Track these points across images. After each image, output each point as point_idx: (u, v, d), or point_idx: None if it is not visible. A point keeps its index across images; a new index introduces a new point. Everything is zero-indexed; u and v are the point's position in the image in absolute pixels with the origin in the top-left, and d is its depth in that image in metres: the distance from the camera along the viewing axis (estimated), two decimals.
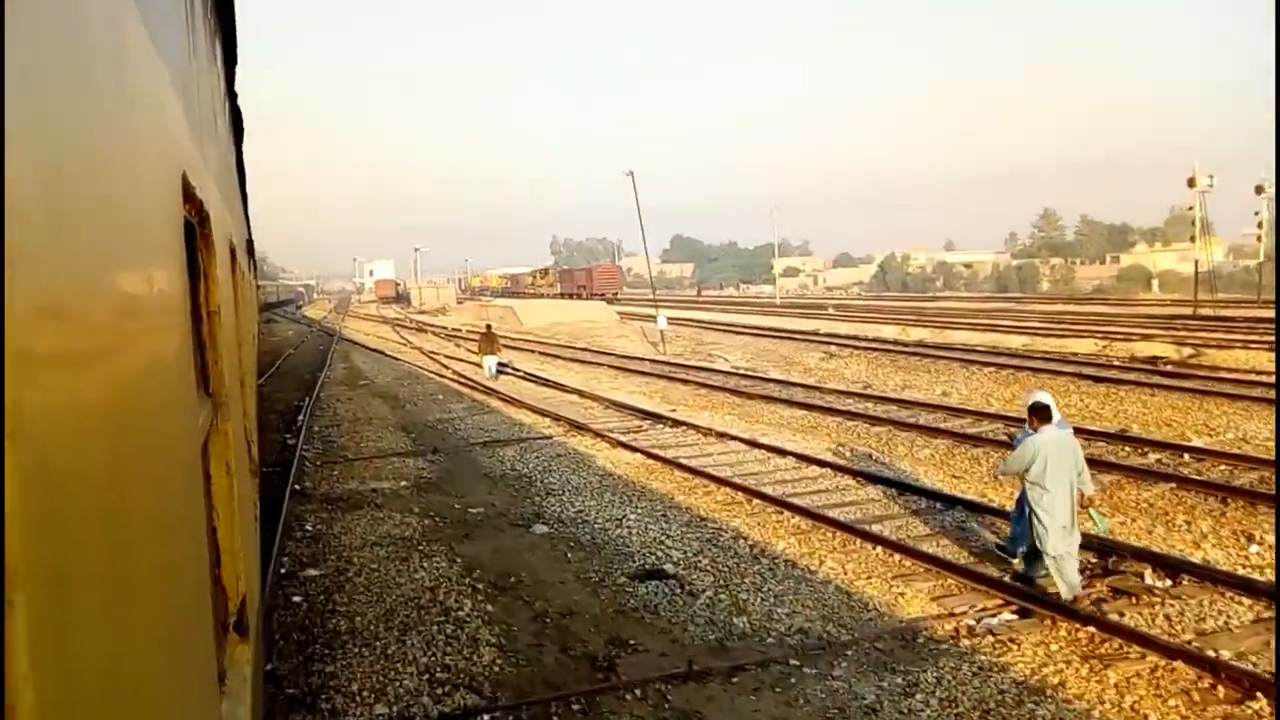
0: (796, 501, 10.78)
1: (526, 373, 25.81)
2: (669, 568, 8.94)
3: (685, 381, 22.65)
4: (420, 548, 9.82)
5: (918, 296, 77.04)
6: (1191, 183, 36.18)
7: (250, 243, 11.80)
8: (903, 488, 11.47)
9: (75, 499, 0.81)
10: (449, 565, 9.24)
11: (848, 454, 13.73)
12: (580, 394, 21.04)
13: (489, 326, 29.22)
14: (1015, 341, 28.13)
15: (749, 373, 24.72)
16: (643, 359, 29.01)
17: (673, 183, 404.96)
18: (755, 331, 36.67)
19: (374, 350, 36.61)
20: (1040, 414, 7.72)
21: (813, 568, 8.81)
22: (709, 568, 8.90)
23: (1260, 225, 37.06)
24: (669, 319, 34.21)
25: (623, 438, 15.24)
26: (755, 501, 10.97)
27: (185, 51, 2.53)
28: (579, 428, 16.38)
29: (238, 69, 6.73)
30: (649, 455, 13.70)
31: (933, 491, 11.23)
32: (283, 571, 9.14)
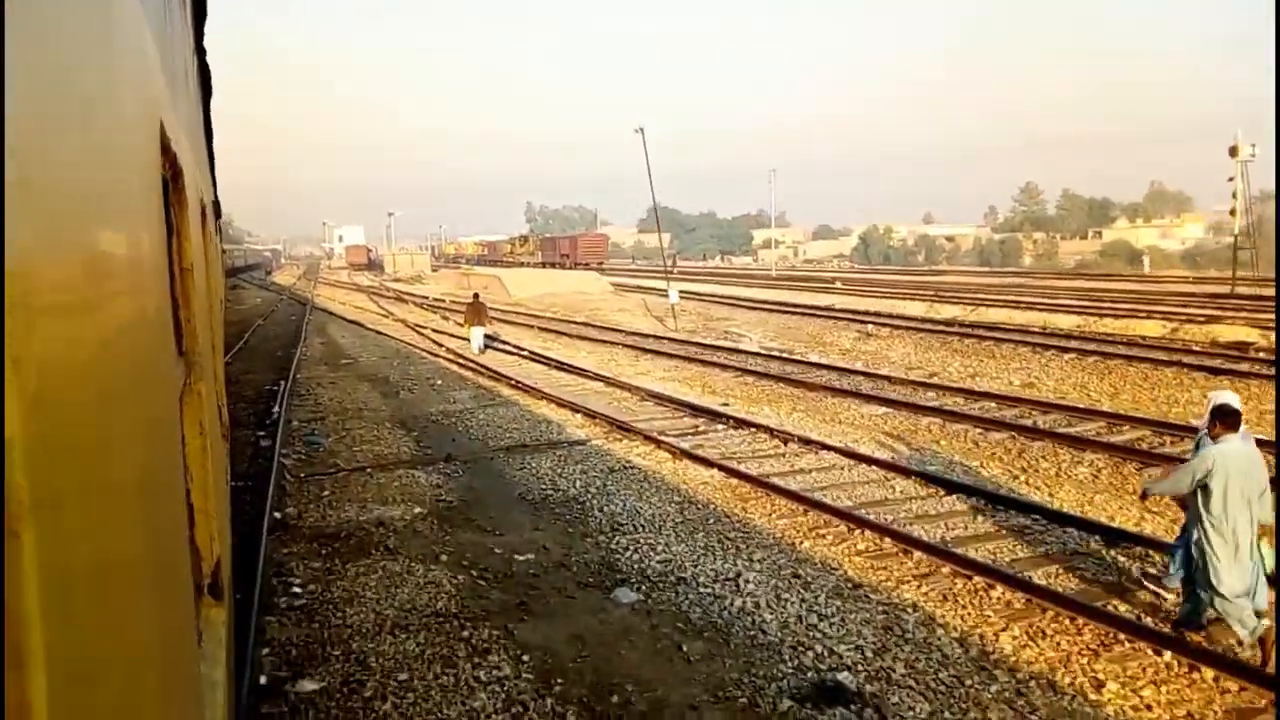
0: (993, 565, 7.73)
1: (532, 352, 22.59)
2: (846, 678, 5.92)
3: (720, 366, 19.60)
4: (465, 633, 6.70)
5: (918, 270, 74.20)
6: (1234, 151, 33.67)
7: (217, 204, 11.14)
8: (1127, 539, 8.52)
9: (59, 454, 0.79)
10: (514, 670, 6.14)
11: (986, 475, 10.79)
12: (605, 381, 17.91)
13: (476, 296, 26.14)
14: (1065, 322, 25.34)
15: (783, 354, 21.74)
16: (658, 337, 25.87)
17: (651, 150, 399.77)
18: (766, 307, 33.68)
19: (352, 322, 33.09)
20: (1228, 420, 6.35)
21: (1077, 685, 5.84)
22: (909, 680, 5.90)
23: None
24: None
25: (683, 443, 12.18)
26: (921, 557, 7.95)
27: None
28: (623, 429, 13.28)
29: (206, 25, 6.37)
30: (731, 473, 10.65)
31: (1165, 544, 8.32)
32: (262, 681, 5.99)
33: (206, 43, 6.90)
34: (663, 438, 12.57)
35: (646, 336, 25.93)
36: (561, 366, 20.12)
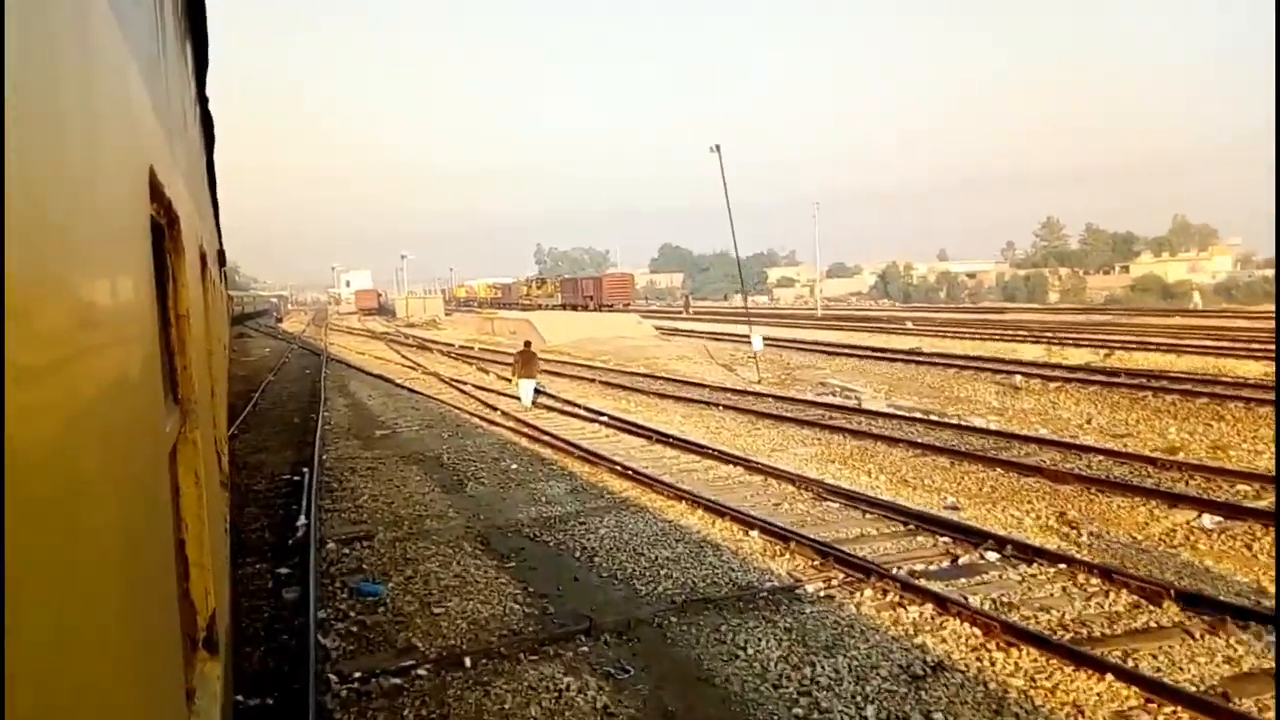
0: None
1: (612, 416, 17.78)
2: None
3: (870, 436, 14.75)
4: None
5: (970, 308, 69.43)
6: None
7: (221, 252, 10.79)
8: None
9: (39, 508, 0.78)
10: None
11: None
12: (740, 463, 13.06)
13: (527, 344, 21.67)
14: (1248, 369, 20.60)
15: (931, 416, 16.93)
16: (754, 393, 21.07)
17: (661, 189, 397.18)
18: (847, 352, 28.93)
19: (377, 376, 28.30)
20: None
21: None
22: None
23: None
24: (742, 336, 26.30)
25: (972, 598, 7.35)
26: None
27: (154, 44, 2.35)
28: (845, 563, 8.39)
29: (209, 74, 6.16)
30: (1149, 689, 5.80)
31: None
32: None
33: (210, 91, 6.63)
34: (927, 584, 7.73)
35: (740, 393, 21.12)
36: (663, 439, 15.29)
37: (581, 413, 18.54)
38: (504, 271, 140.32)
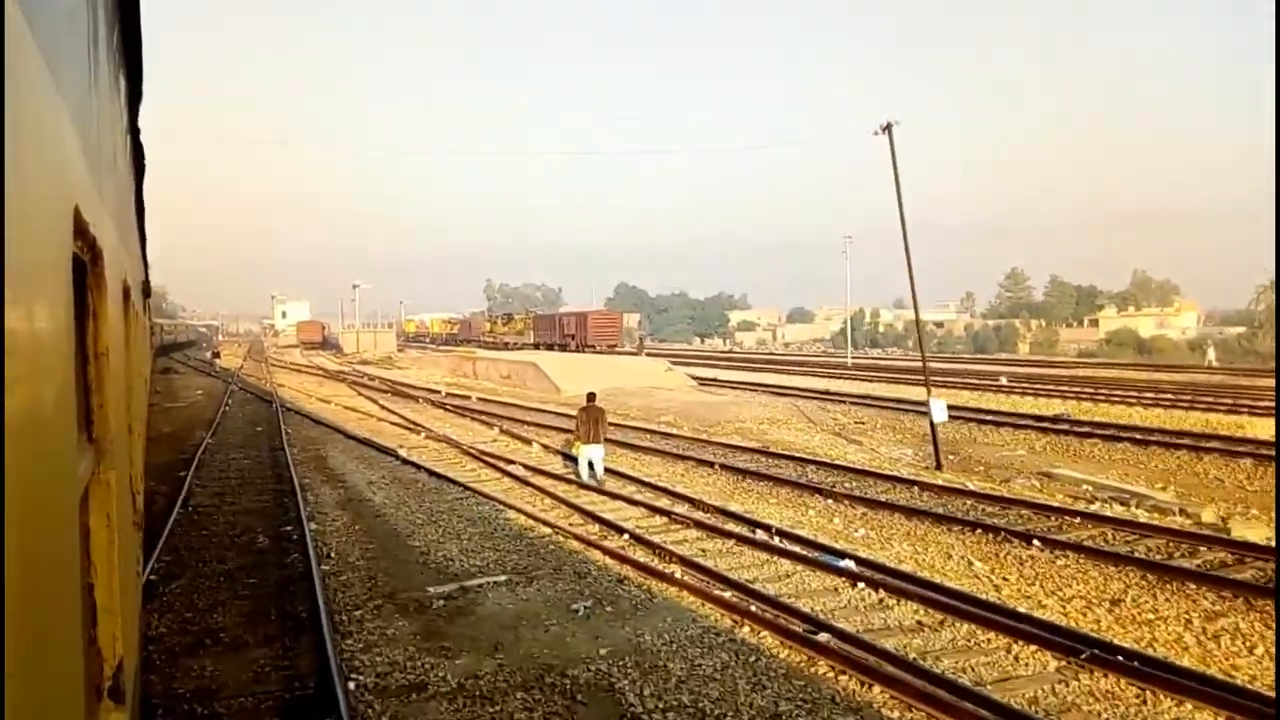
0: None
1: (823, 547, 10.00)
2: None
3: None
4: None
5: (1002, 359, 62.32)
6: None
7: (146, 282, 11.05)
8: None
9: None
10: None
11: None
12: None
13: (592, 397, 15.03)
14: None
15: None
16: (953, 490, 13.50)
17: (618, 227, 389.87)
18: (1014, 422, 21.72)
19: (363, 442, 19.83)
20: None
21: None
22: None
23: None
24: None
25: None
26: None
27: (85, 85, 2.30)
28: None
29: (142, 105, 6.08)
30: None
31: None
32: None
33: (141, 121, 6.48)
34: None
35: (947, 491, 13.52)
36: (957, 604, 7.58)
37: (764, 540, 10.71)
38: (452, 306, 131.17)
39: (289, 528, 11.71)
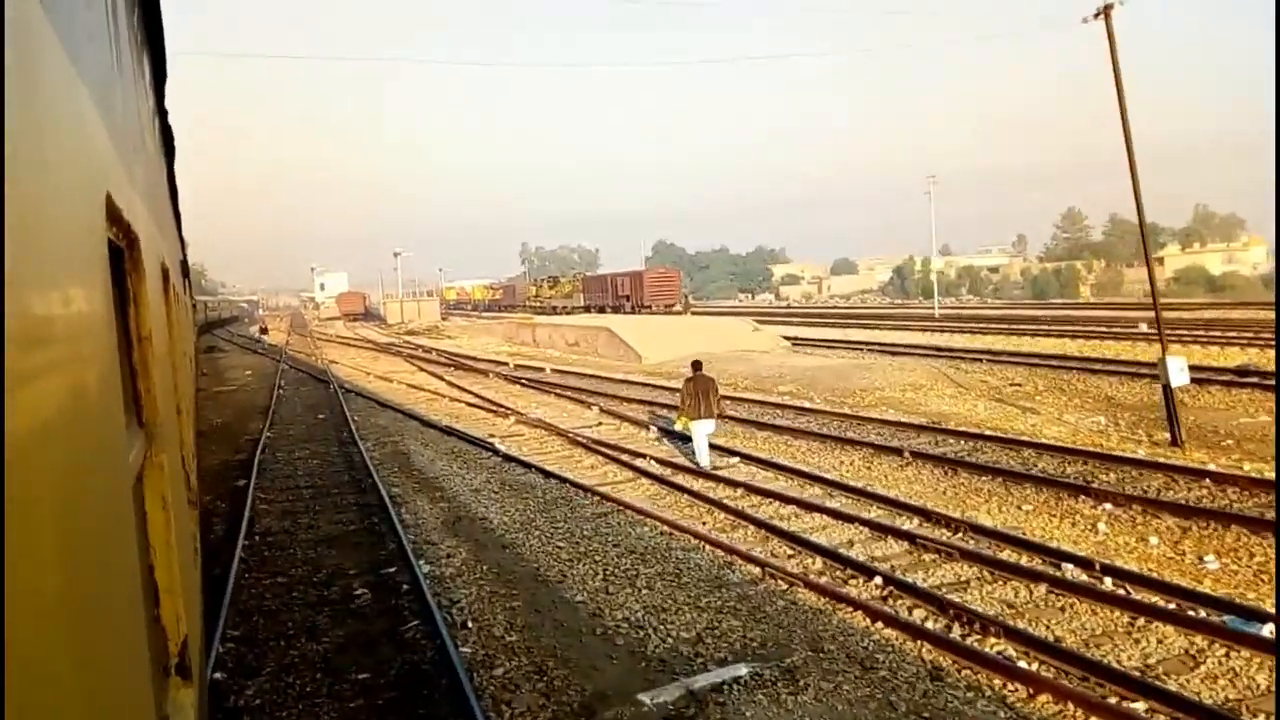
0: None
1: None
2: None
3: None
4: None
5: (1131, 304, 56.09)
6: None
7: (185, 263, 10.98)
8: None
9: None
10: None
11: None
12: None
13: (698, 365, 13.04)
14: None
15: None
16: (1250, 480, 10.08)
17: (653, 186, 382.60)
18: (1213, 377, 18.08)
19: (446, 432, 16.74)
20: None
21: None
22: None
23: None
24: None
25: None
26: None
27: (108, 68, 2.22)
28: None
29: (167, 84, 5.99)
30: None
31: None
32: None
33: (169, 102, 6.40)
34: None
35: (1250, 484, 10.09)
36: None
37: (1085, 581, 7.39)
38: (489, 273, 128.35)
39: (391, 569, 8.64)
